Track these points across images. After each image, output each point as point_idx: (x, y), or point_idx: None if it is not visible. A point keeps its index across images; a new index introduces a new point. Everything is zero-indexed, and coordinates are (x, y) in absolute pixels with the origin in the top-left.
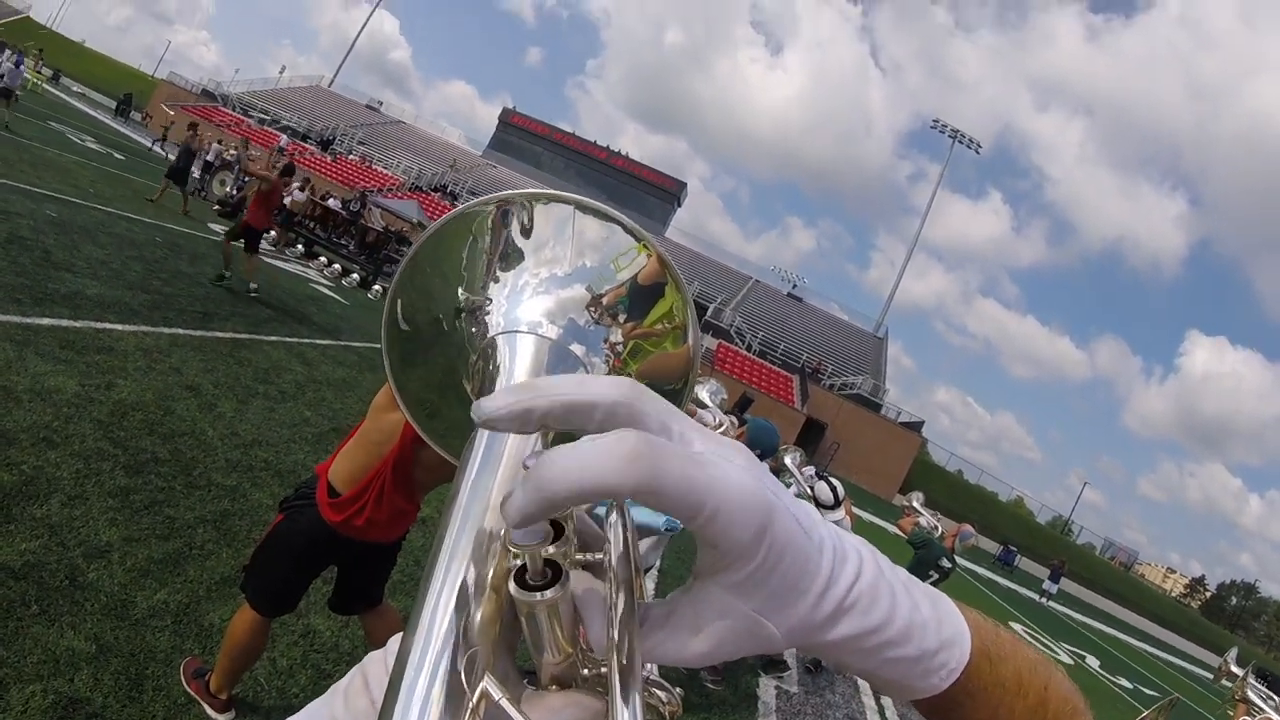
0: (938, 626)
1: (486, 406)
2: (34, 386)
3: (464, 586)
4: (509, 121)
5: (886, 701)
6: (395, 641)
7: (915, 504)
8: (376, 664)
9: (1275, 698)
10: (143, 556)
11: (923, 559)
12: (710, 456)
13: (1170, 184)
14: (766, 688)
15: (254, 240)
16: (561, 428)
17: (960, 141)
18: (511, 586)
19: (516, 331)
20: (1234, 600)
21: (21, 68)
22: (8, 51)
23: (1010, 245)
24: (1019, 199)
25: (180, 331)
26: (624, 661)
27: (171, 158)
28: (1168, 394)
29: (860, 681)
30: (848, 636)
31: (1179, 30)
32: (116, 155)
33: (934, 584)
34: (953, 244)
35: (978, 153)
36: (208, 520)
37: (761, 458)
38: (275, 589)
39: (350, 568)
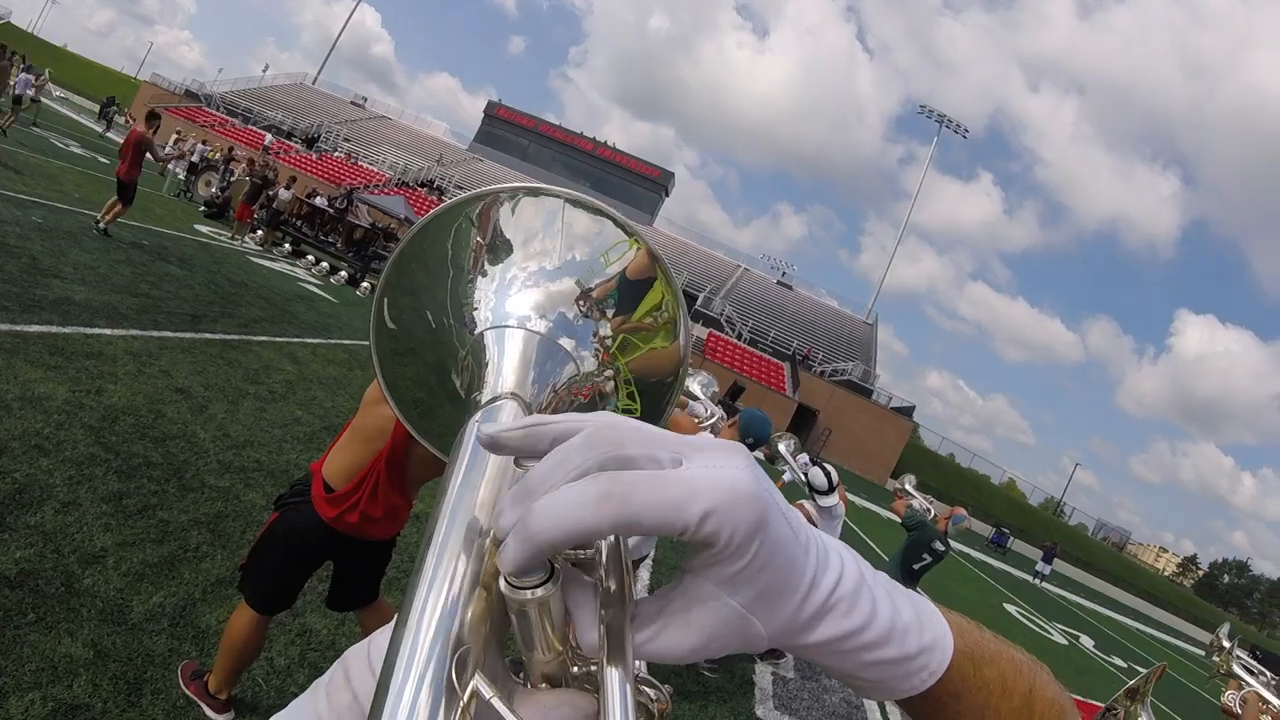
0: (919, 630)
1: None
2: (24, 394)
3: (454, 583)
4: (494, 114)
5: None
6: (379, 635)
7: (908, 486)
8: (358, 658)
9: (1265, 672)
10: (137, 561)
11: (916, 541)
12: (699, 468)
13: (1164, 163)
14: (763, 674)
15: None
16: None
17: (948, 126)
18: (502, 584)
19: (505, 326)
20: (1226, 578)
21: (32, 80)
22: (23, 68)
23: (1002, 228)
24: (1010, 181)
25: (169, 334)
26: (615, 659)
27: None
28: (1160, 374)
29: None
30: (830, 638)
31: (1173, 6)
32: (101, 159)
33: (926, 567)
34: (944, 227)
35: (965, 137)
36: (201, 522)
37: (754, 446)
38: (272, 586)
39: (346, 564)
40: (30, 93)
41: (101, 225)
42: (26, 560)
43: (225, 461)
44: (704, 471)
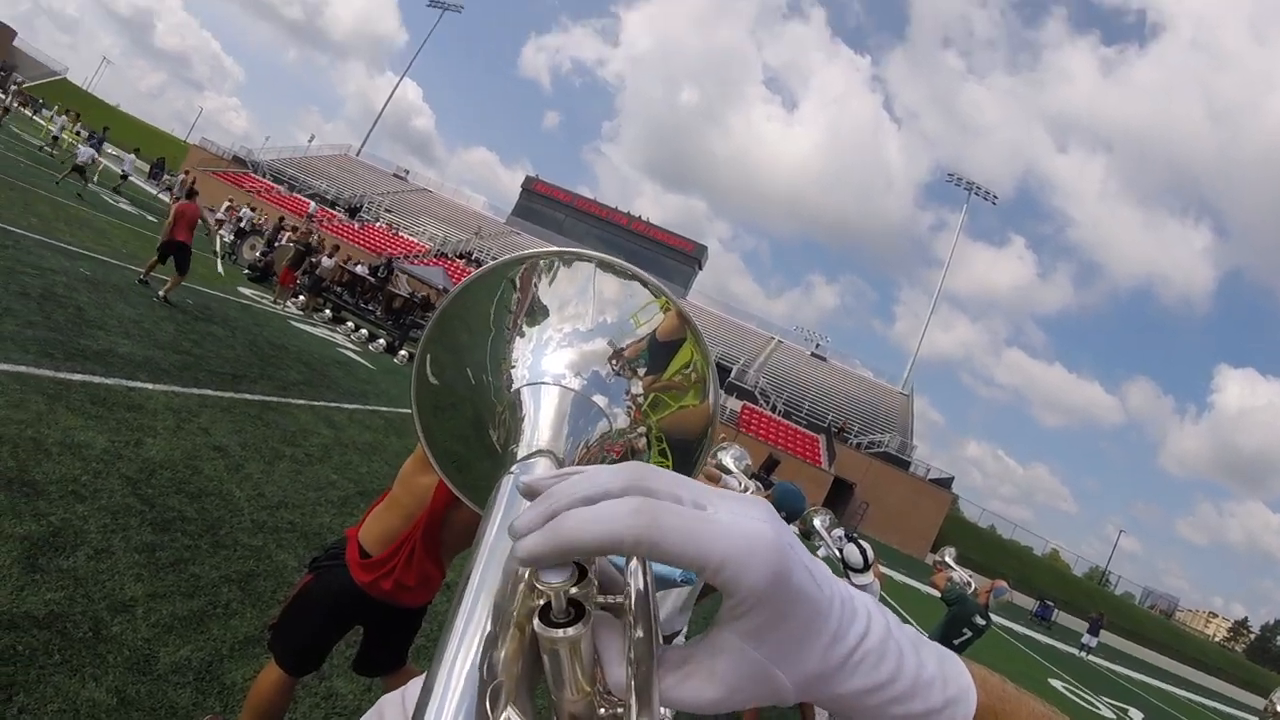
0: (943, 684)
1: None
2: (64, 440)
3: (490, 621)
4: (532, 189)
5: None
6: (414, 685)
7: (948, 559)
8: (393, 705)
9: None
10: (167, 613)
11: (956, 616)
12: (722, 514)
13: (1195, 215)
14: None
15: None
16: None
17: (976, 194)
18: (536, 623)
19: (541, 383)
20: (1279, 640)
21: (95, 150)
22: (92, 137)
23: (1035, 291)
24: (1042, 243)
25: (210, 393)
26: (641, 703)
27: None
28: (1202, 432)
29: None
30: (856, 691)
31: (1192, 54)
32: (149, 217)
33: (967, 642)
34: (977, 293)
35: (994, 204)
36: (232, 580)
37: (788, 520)
38: (302, 646)
39: (377, 629)
40: (91, 162)
41: (162, 296)
42: (56, 603)
43: (259, 521)
44: (727, 517)
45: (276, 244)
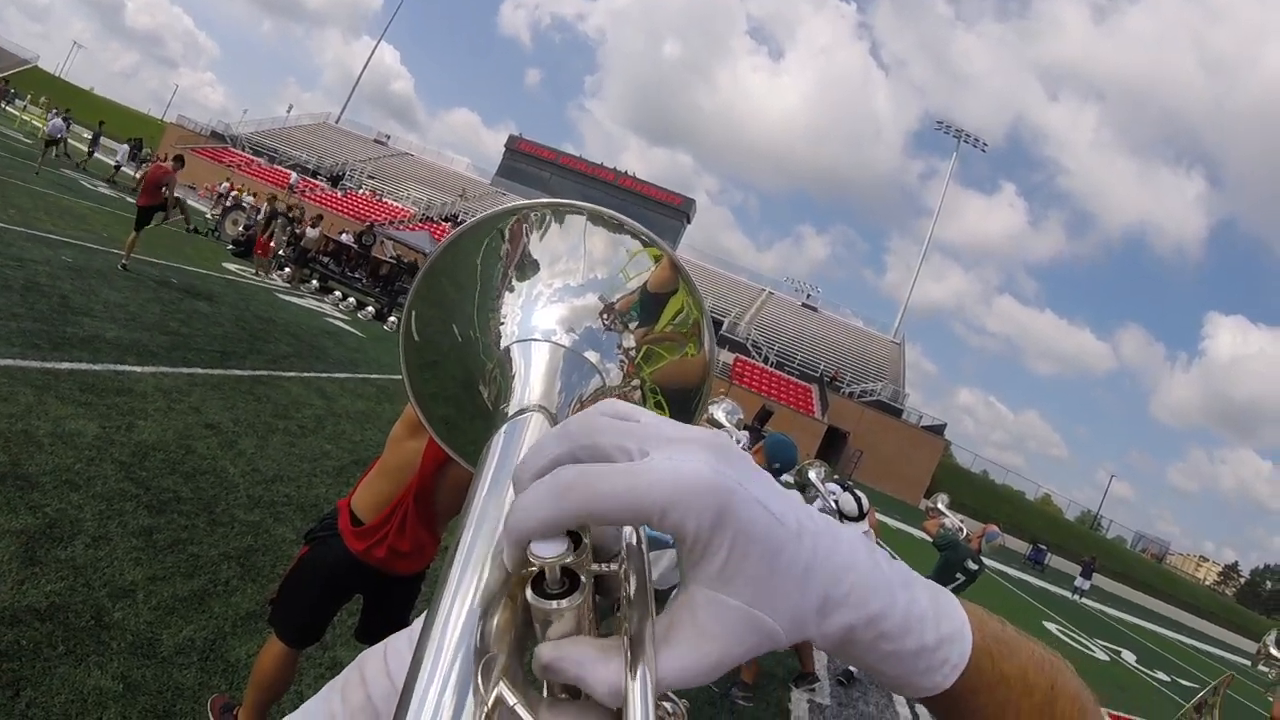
0: (936, 621)
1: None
2: (55, 430)
3: (481, 591)
4: (516, 149)
5: (921, 710)
6: (396, 638)
7: (940, 506)
8: (374, 659)
9: None
10: (168, 594)
11: (949, 561)
12: (658, 461)
13: (1188, 164)
14: (799, 701)
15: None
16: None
17: (966, 140)
18: (529, 593)
19: (531, 340)
20: (1269, 585)
21: (64, 124)
22: (55, 112)
23: (1027, 239)
24: (1033, 191)
25: (199, 371)
26: (636, 670)
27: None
28: (1194, 380)
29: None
30: (844, 627)
31: (1187, 3)
32: (129, 199)
33: (961, 586)
34: (968, 242)
35: (984, 151)
36: (231, 556)
37: (780, 472)
38: (302, 620)
39: (375, 597)
40: (62, 136)
41: (123, 263)
42: (57, 594)
43: (255, 496)
44: (665, 463)
45: (272, 224)
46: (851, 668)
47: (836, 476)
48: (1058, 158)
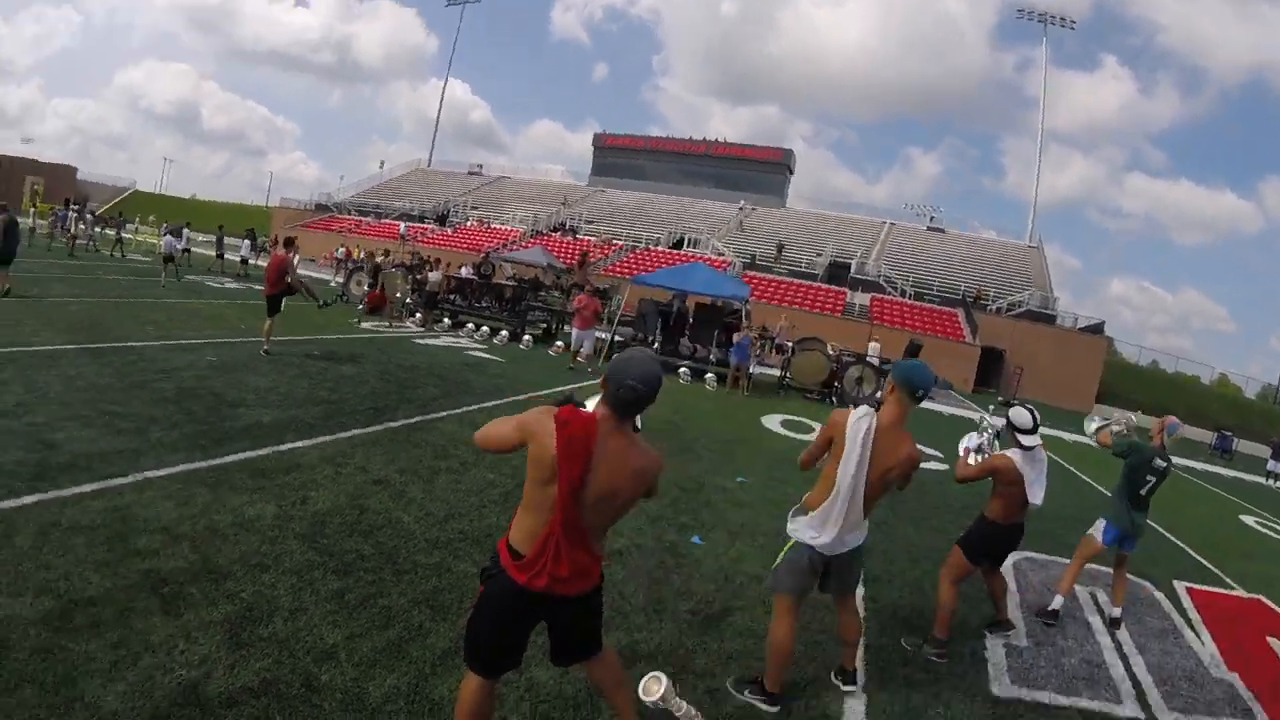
0: None
1: None
2: (236, 519)
3: None
4: (604, 145)
5: (1124, 637)
6: None
7: (1111, 421)
8: None
9: None
10: (367, 649)
11: (1135, 466)
12: None
13: None
14: (994, 648)
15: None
16: None
17: (1051, 23)
18: None
19: None
20: None
21: (180, 239)
22: (166, 228)
23: (1141, 109)
24: (1135, 58)
25: (357, 432)
26: None
27: (338, 279)
28: None
29: (1094, 621)
30: None
31: None
32: (255, 287)
33: (1153, 488)
34: (1082, 125)
35: (1073, 28)
36: (420, 601)
37: (924, 397)
38: (488, 654)
39: (555, 622)
40: (177, 252)
41: (264, 348)
42: (266, 670)
43: (432, 538)
44: None
45: (381, 272)
46: (1055, 605)
47: (1001, 396)
48: (1150, 17)
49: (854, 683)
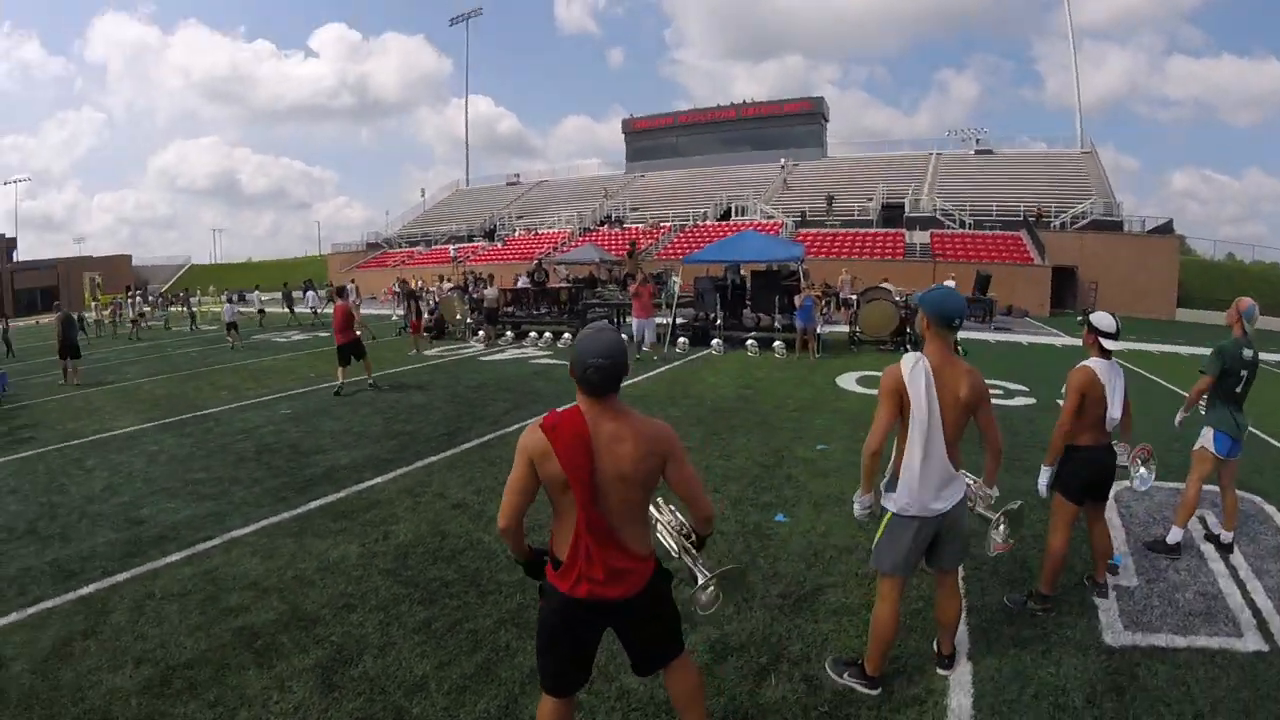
0: None
1: None
2: (321, 564)
3: None
4: (633, 130)
5: (1238, 561)
6: None
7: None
8: None
9: None
10: (457, 676)
11: (1226, 370)
12: None
13: None
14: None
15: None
16: None
17: None
18: None
19: None
20: None
21: (236, 306)
22: (227, 295)
23: None
24: None
25: (433, 459)
26: None
27: (399, 312)
28: None
29: (1207, 549)
30: None
31: None
32: (321, 334)
33: (1246, 383)
34: (1112, 14)
35: None
36: (506, 620)
37: (960, 326)
38: (552, 669)
39: (619, 630)
40: (237, 319)
41: (370, 382)
42: (359, 710)
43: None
44: None
45: (414, 304)
46: (1174, 538)
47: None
48: None
49: (951, 666)
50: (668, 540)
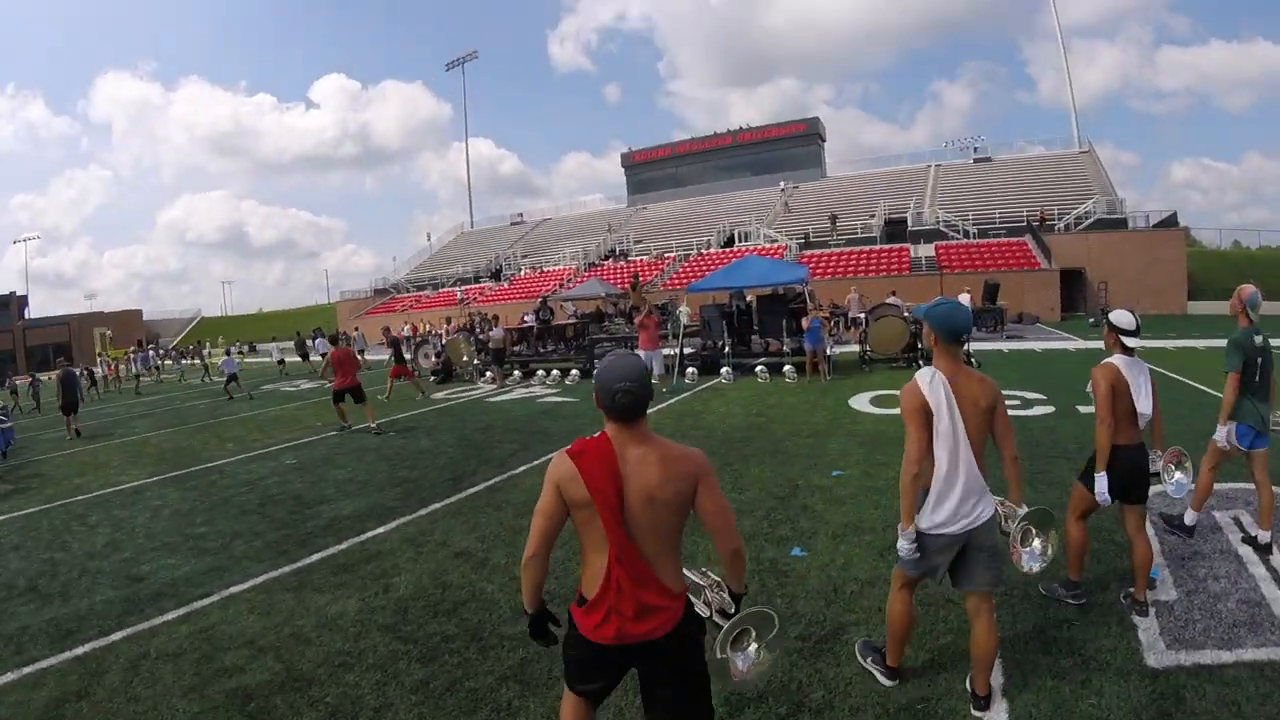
0: None
1: None
2: (319, 620)
3: None
4: (633, 163)
5: (1279, 562)
6: None
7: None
8: None
9: None
10: None
11: (1246, 361)
12: None
13: None
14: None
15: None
16: None
17: None
18: None
19: None
20: None
21: (235, 359)
22: (231, 349)
23: None
24: None
25: (436, 506)
26: None
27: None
28: None
29: (1245, 552)
30: None
31: None
32: (327, 385)
33: (1263, 371)
34: (1097, 10)
35: None
36: (508, 677)
37: (967, 340)
38: (578, 688)
39: (645, 678)
40: (238, 371)
41: (373, 428)
42: None
43: (516, 605)
44: None
45: (400, 348)
46: (1188, 520)
47: (1094, 315)
48: None
49: (987, 707)
50: (702, 608)
